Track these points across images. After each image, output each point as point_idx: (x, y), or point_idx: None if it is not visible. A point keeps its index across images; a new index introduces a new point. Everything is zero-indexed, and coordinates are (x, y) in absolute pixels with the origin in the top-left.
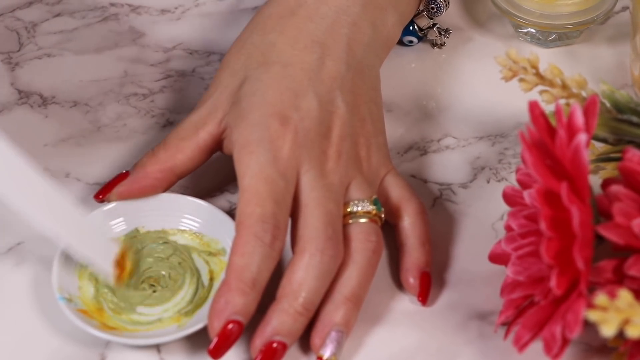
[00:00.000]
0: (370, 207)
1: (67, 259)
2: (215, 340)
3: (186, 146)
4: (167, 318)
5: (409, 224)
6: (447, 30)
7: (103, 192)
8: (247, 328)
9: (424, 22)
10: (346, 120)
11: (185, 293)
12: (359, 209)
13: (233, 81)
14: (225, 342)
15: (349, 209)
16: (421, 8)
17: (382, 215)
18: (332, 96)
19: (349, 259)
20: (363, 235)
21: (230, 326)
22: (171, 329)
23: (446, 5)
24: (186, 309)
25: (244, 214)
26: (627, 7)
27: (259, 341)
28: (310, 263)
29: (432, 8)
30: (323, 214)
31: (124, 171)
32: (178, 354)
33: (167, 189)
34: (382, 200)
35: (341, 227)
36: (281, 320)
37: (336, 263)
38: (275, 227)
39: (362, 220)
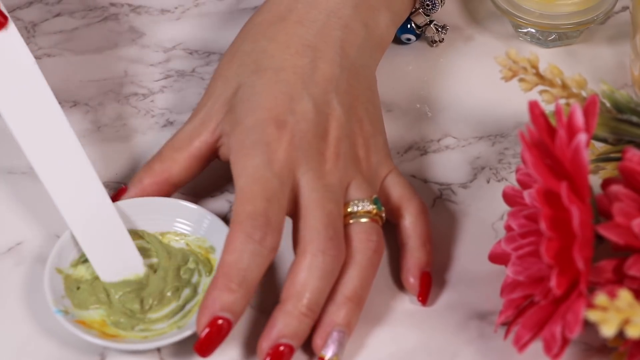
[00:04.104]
0: (370, 207)
1: (57, 271)
2: (201, 336)
3: (181, 157)
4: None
5: (410, 224)
6: (444, 27)
7: None
8: (249, 329)
9: (420, 19)
10: (343, 122)
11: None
12: (359, 208)
13: (226, 90)
14: (212, 339)
15: (349, 209)
16: (417, 5)
17: (383, 215)
18: (327, 98)
19: (351, 259)
20: (364, 235)
21: (219, 322)
22: (173, 332)
23: (441, 1)
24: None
25: (236, 212)
26: (627, 7)
27: (265, 344)
28: (313, 264)
29: (428, 5)
30: (323, 215)
31: (123, 186)
32: (178, 354)
33: None
34: (383, 199)
35: (342, 227)
36: (286, 323)
37: (338, 263)
38: (266, 224)
39: (363, 219)
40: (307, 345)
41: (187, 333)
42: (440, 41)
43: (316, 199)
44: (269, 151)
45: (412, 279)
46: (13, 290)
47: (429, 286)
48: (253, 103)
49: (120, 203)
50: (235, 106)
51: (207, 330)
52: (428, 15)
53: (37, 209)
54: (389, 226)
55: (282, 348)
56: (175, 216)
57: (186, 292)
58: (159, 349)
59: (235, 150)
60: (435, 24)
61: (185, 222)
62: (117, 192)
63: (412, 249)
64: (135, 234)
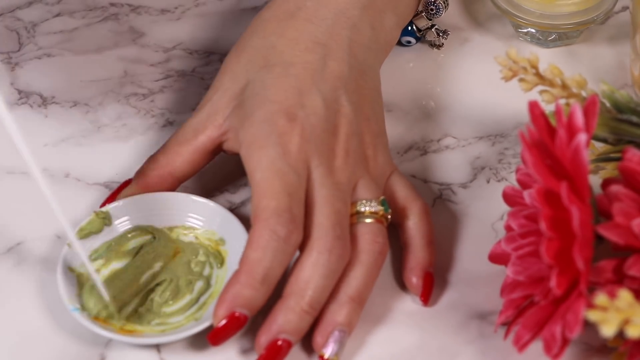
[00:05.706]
0: (378, 208)
1: (69, 269)
2: (217, 327)
3: (185, 150)
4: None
5: (415, 224)
6: (445, 32)
7: (108, 201)
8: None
9: (422, 22)
10: (352, 119)
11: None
12: (367, 209)
13: (234, 85)
14: (227, 331)
15: (356, 209)
16: (420, 9)
17: (389, 217)
18: (336, 95)
19: (356, 259)
20: (370, 236)
21: (236, 315)
22: (191, 324)
23: (445, 6)
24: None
25: (259, 208)
26: (627, 7)
27: (264, 338)
28: (318, 262)
29: (432, 9)
30: (332, 213)
31: (127, 179)
32: (177, 353)
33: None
34: (387, 199)
35: (348, 226)
36: (287, 319)
37: (343, 263)
38: (291, 220)
39: (369, 220)
40: (305, 343)
41: (204, 325)
42: (440, 45)
43: (326, 196)
44: (282, 143)
45: (415, 279)
46: (13, 290)
47: (432, 286)
48: (263, 97)
49: (127, 199)
50: (244, 101)
51: (223, 322)
52: (430, 20)
53: (37, 209)
54: (389, 226)
55: (280, 343)
56: (182, 210)
57: (199, 284)
58: (158, 348)
59: (247, 143)
60: (436, 28)
61: (194, 216)
62: (120, 185)
63: (416, 249)
64: (144, 229)
